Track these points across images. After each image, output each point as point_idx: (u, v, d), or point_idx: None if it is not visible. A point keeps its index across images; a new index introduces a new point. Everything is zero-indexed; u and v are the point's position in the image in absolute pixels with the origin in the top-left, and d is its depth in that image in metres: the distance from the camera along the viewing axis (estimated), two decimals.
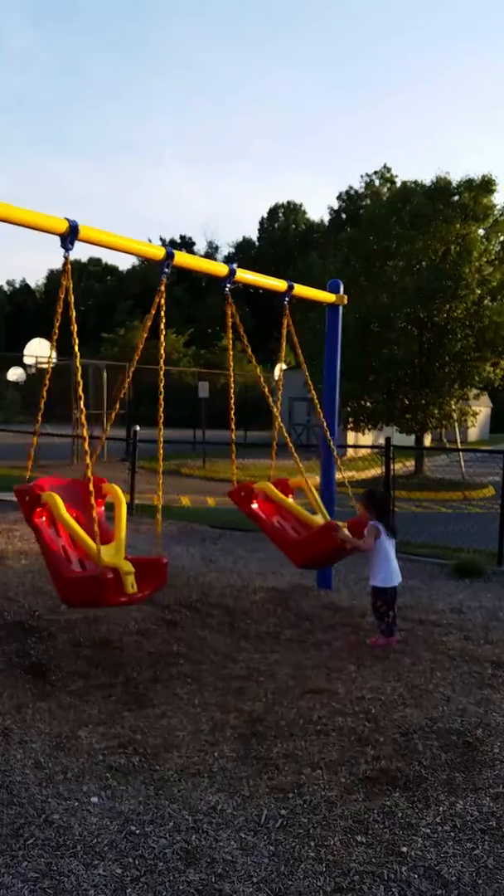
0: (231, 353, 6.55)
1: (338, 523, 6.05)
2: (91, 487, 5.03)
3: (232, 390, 6.33)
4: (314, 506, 6.67)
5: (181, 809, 3.42)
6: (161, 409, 5.40)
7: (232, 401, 6.34)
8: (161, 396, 5.42)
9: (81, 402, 4.95)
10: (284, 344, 6.90)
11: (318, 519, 6.43)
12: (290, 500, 6.70)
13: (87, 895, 2.81)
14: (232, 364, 6.55)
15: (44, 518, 5.26)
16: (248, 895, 2.83)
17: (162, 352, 5.34)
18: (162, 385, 5.45)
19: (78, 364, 5.04)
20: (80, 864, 3.00)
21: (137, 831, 3.24)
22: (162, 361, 5.35)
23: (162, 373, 5.42)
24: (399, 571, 5.90)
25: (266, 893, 2.85)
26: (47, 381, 5.14)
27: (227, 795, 3.56)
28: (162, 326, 5.33)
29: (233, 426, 6.44)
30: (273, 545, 6.53)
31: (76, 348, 4.87)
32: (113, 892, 2.83)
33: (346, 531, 5.92)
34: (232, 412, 6.36)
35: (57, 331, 4.89)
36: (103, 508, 5.69)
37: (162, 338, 5.38)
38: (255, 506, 6.49)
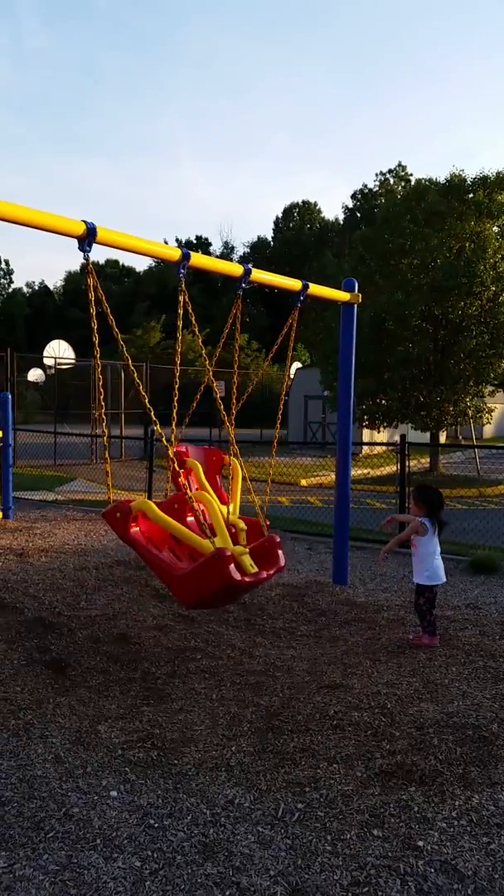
0: (217, 348, 6.61)
1: (237, 524, 5.58)
2: (189, 493, 5.11)
3: (206, 383, 5.80)
4: (231, 497, 5.95)
5: (199, 803, 3.46)
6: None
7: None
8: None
9: (146, 401, 5.03)
10: (292, 344, 6.91)
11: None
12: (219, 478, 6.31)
13: (107, 888, 2.86)
14: (211, 358, 6.63)
15: (138, 530, 5.04)
16: (265, 888, 2.86)
17: (204, 353, 5.48)
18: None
19: (126, 353, 5.04)
20: (100, 856, 3.04)
21: (156, 825, 3.28)
22: (212, 361, 5.60)
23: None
24: (443, 570, 5.84)
25: (283, 887, 2.87)
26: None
27: (244, 789, 3.59)
28: (193, 321, 5.44)
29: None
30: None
31: (120, 340, 4.94)
32: (132, 885, 2.87)
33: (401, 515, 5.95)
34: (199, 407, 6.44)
35: (97, 334, 4.93)
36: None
37: (198, 332, 5.50)
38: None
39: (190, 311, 5.39)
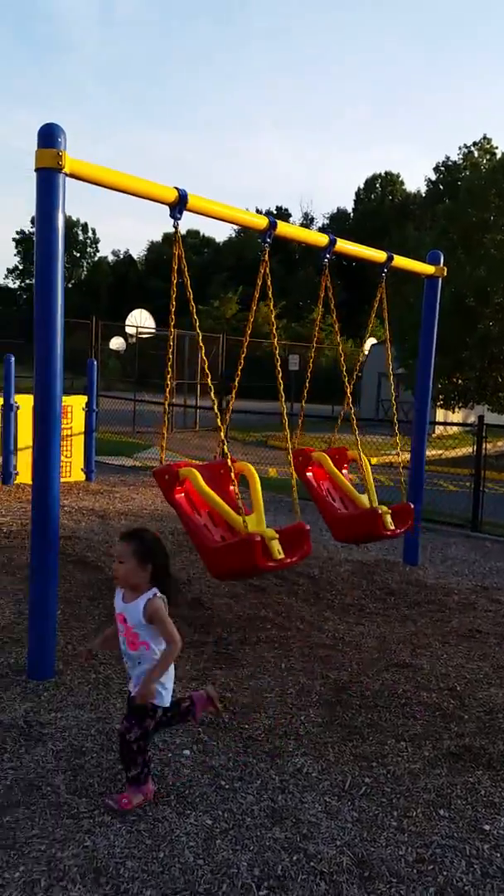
0: (315, 324, 6.67)
1: (381, 509, 6.02)
2: (230, 463, 5.30)
3: (311, 360, 6.48)
4: (366, 484, 6.49)
5: (268, 769, 3.54)
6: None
7: (309, 370, 6.51)
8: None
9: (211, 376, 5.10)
10: (373, 317, 6.82)
11: (365, 500, 6.43)
12: (345, 472, 6.81)
13: (180, 841, 2.96)
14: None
15: (183, 495, 5.25)
16: (331, 857, 2.91)
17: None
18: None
19: (199, 326, 5.08)
20: (173, 811, 3.15)
21: (227, 786, 3.38)
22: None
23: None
24: None
25: (349, 857, 2.92)
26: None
27: (312, 759, 3.66)
28: (270, 294, 5.39)
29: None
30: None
31: (194, 312, 5.00)
32: (203, 841, 2.96)
33: None
34: (308, 382, 6.70)
35: (175, 303, 5.02)
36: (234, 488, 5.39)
37: (272, 307, 5.48)
38: (310, 474, 6.62)
39: (268, 283, 5.42)
